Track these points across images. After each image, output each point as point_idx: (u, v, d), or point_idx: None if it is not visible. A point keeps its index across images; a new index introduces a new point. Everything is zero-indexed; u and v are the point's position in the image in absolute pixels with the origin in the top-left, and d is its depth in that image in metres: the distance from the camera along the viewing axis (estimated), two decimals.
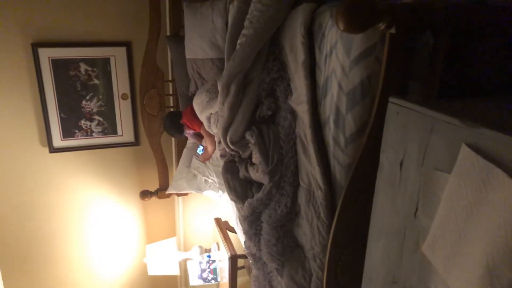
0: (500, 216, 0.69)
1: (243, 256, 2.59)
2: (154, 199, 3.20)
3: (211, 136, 2.35)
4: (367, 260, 1.16)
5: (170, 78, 3.02)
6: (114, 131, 3.15)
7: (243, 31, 1.54)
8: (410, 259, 0.95)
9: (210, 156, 2.54)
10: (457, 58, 1.00)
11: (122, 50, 2.96)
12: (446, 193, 0.81)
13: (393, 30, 0.93)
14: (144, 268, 3.37)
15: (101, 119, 3.09)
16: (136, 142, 3.22)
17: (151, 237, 3.56)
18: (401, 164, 0.95)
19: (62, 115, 2.97)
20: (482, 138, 0.73)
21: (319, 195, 1.31)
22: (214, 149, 2.42)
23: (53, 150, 3.02)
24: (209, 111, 2.09)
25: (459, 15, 0.97)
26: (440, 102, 0.95)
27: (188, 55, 2.41)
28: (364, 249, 1.15)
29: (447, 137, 0.81)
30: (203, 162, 2.61)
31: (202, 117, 2.20)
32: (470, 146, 0.75)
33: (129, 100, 3.10)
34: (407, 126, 0.92)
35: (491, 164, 0.71)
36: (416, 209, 0.92)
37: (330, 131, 1.26)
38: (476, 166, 0.74)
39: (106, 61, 2.95)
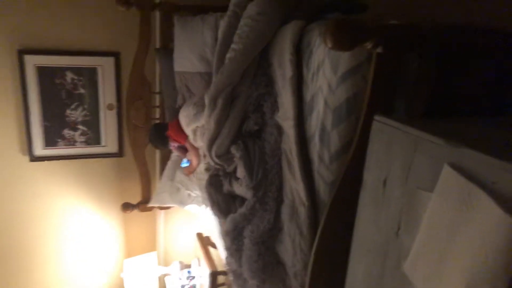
0: (480, 237, 0.70)
1: (223, 273, 2.54)
2: (135, 212, 3.14)
3: (195, 149, 2.34)
4: (349, 278, 1.15)
5: (157, 90, 3.01)
6: (97, 142, 3.10)
7: (232, 46, 1.55)
8: (392, 277, 0.95)
9: (194, 170, 2.51)
10: (444, 78, 1.02)
11: (110, 60, 2.94)
12: (428, 213, 0.81)
13: (380, 50, 0.95)
14: (121, 284, 3.29)
15: (85, 128, 3.04)
16: (119, 153, 3.18)
17: (131, 251, 3.48)
18: (384, 182, 0.95)
19: (45, 123, 2.91)
20: (465, 158, 0.74)
21: (302, 211, 1.31)
22: (199, 162, 2.40)
23: (33, 158, 2.95)
24: (195, 124, 2.08)
25: (445, 36, 0.99)
26: (425, 121, 0.96)
27: (177, 68, 2.41)
28: (346, 266, 1.15)
29: (431, 156, 0.81)
30: (187, 175, 2.58)
31: (188, 130, 2.19)
32: (453, 166, 0.76)
33: (115, 110, 3.07)
34: (392, 145, 0.93)
35: (472, 184, 0.71)
36: (399, 228, 0.92)
37: (315, 147, 1.26)
38: (457, 186, 0.74)
39: (93, 71, 2.93)
